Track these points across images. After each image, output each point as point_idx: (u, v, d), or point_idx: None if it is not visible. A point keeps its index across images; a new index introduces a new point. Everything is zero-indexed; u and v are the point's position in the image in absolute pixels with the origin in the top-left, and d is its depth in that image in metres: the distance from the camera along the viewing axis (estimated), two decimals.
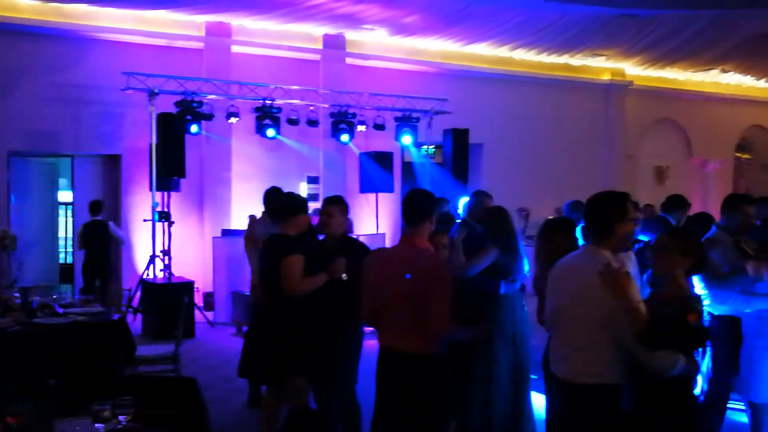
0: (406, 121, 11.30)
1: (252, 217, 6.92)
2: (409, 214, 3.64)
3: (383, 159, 11.28)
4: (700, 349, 4.68)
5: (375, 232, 11.45)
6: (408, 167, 12.25)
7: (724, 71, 15.08)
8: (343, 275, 4.29)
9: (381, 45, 12.18)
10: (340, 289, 4.29)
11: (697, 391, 6.39)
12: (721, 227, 4.77)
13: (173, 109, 9.66)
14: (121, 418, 2.63)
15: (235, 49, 11.14)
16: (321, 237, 4.77)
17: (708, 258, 4.55)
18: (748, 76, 15.60)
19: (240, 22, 11.02)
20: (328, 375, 4.51)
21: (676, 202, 7.14)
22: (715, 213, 11.42)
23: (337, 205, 4.63)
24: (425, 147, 11.84)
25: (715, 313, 4.58)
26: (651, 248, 3.53)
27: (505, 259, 4.80)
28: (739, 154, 17.83)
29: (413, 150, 11.76)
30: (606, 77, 14.59)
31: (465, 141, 11.35)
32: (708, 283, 4.49)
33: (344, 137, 10.90)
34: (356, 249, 4.53)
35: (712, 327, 4.56)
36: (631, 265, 3.78)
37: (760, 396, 4.42)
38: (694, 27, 11.37)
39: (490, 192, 6.25)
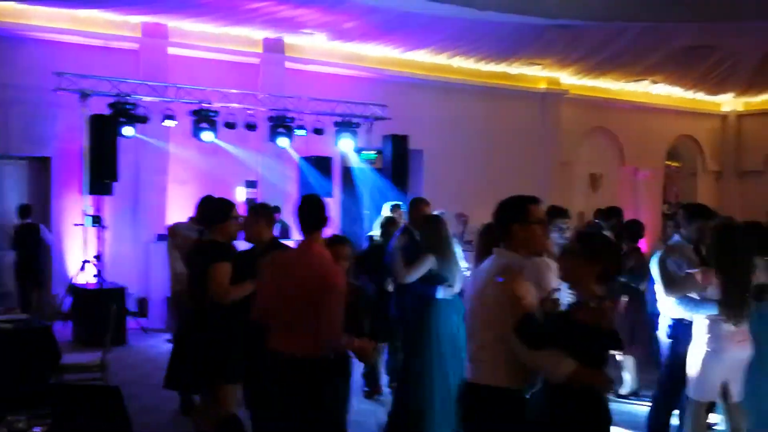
0: (346, 126, 11.31)
1: (174, 225, 6.85)
2: (305, 222, 3.64)
3: (322, 164, 11.28)
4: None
5: None
6: (348, 173, 12.26)
7: (655, 82, 15.58)
8: None
9: (321, 50, 12.17)
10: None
11: (624, 390, 6.65)
12: (683, 236, 4.93)
13: (107, 111, 9.44)
14: (36, 429, 2.55)
15: (171, 51, 10.96)
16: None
17: (666, 264, 4.81)
18: (677, 88, 16.15)
19: (177, 23, 10.85)
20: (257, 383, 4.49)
21: (611, 212, 7.43)
22: (646, 219, 11.79)
23: (260, 212, 4.63)
24: (365, 152, 11.87)
25: (676, 317, 4.81)
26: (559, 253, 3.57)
27: (441, 266, 4.92)
28: (669, 163, 18.44)
29: (353, 155, 11.77)
30: (542, 86, 14.90)
31: (404, 147, 11.43)
32: (664, 288, 4.72)
33: (283, 141, 10.84)
34: None
35: (675, 329, 4.82)
36: (549, 271, 3.80)
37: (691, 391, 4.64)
38: (626, 39, 11.73)
39: (430, 198, 6.38)
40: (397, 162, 11.23)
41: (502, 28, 11.11)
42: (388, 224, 6.68)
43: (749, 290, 4.45)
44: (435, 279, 4.97)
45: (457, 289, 5.05)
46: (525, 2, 9.33)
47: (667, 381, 5.01)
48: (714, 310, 4.43)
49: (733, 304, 4.37)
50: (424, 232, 5.14)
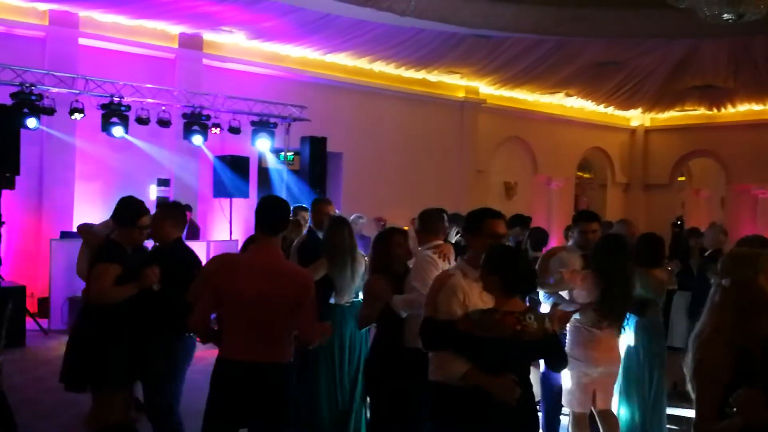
0: (263, 126, 11.17)
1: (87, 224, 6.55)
2: (268, 223, 3.49)
3: (239, 164, 11.10)
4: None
5: (228, 239, 11.22)
6: (264, 173, 12.11)
7: (569, 95, 16.10)
8: (155, 285, 4.09)
9: (240, 48, 11.99)
10: (153, 299, 4.09)
11: None
12: (575, 241, 5.06)
13: (9, 101, 9.00)
14: None
15: (82, 41, 10.56)
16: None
17: (546, 263, 4.95)
18: (590, 101, 16.74)
19: (88, 13, 10.46)
20: (145, 388, 4.32)
21: (514, 220, 7.62)
22: (557, 228, 12.05)
23: (168, 211, 4.50)
24: (283, 153, 11.75)
25: None
26: None
27: (333, 270, 4.86)
28: (581, 174, 19.09)
29: (270, 156, 11.64)
30: (461, 95, 15.16)
31: (323, 149, 11.39)
32: (538, 284, 4.76)
33: (197, 139, 10.60)
34: (178, 257, 4.31)
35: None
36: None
37: (564, 401, 4.74)
38: (540, 52, 12.08)
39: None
40: (315, 164, 11.18)
41: (422, 35, 11.24)
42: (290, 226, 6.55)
43: (627, 300, 4.54)
44: (329, 284, 4.89)
45: (348, 296, 4.96)
46: (444, 11, 9.47)
47: (549, 391, 5.08)
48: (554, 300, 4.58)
49: (608, 310, 4.46)
50: (324, 234, 5.10)
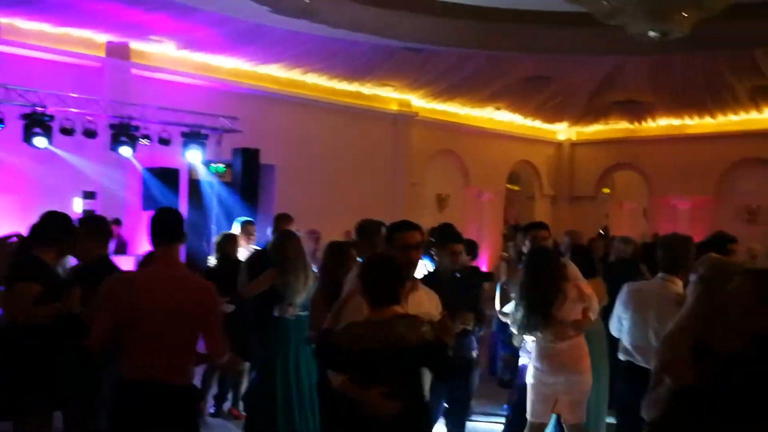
0: (194, 137, 10.94)
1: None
2: (167, 234, 3.39)
3: (168, 176, 10.83)
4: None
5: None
6: (195, 186, 11.86)
7: (498, 109, 16.43)
8: (76, 308, 3.83)
9: (169, 58, 11.75)
10: (74, 322, 3.82)
11: None
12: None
13: None
14: None
15: (3, 48, 10.12)
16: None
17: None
18: (518, 115, 17.13)
19: (9, 20, 10.06)
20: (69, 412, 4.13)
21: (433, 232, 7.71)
22: (488, 239, 12.17)
23: (89, 226, 4.30)
24: (214, 165, 11.54)
25: None
26: None
27: (282, 283, 4.81)
28: (510, 186, 19.47)
29: (201, 168, 11.41)
30: (394, 107, 15.27)
31: (255, 161, 11.24)
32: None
33: (125, 150, 10.29)
34: (102, 277, 4.10)
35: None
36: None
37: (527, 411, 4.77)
38: (471, 65, 12.29)
39: (283, 211, 6.27)
40: (247, 176, 11.02)
41: (355, 47, 11.27)
42: (225, 241, 6.45)
43: (542, 309, 4.56)
44: (274, 296, 4.83)
45: (294, 309, 4.91)
46: (376, 23, 9.51)
47: (517, 400, 5.13)
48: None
49: (528, 320, 4.53)
50: (271, 248, 5.05)
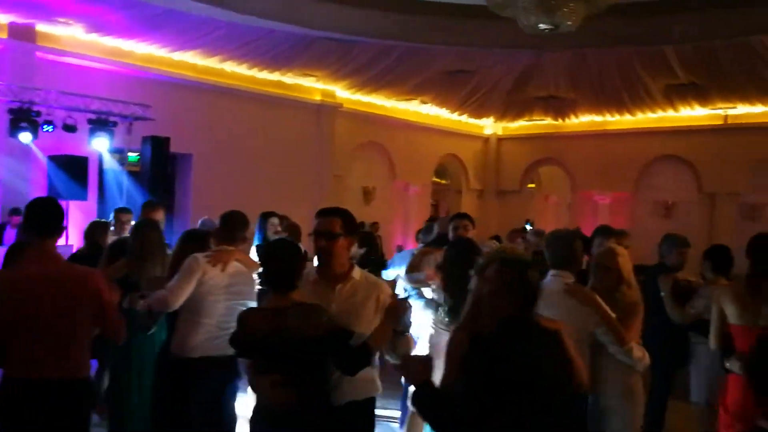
0: (102, 124, 10.55)
1: None
2: (45, 225, 3.29)
3: (75, 164, 10.40)
4: None
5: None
6: (104, 175, 11.44)
7: (424, 102, 16.43)
8: None
9: (78, 41, 11.28)
10: None
11: None
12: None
13: None
14: None
15: None
16: None
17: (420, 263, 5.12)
18: (444, 109, 17.17)
19: None
20: None
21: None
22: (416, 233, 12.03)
23: None
24: (124, 154, 11.16)
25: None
26: None
27: (137, 273, 4.61)
28: (437, 180, 19.54)
29: (109, 156, 11.01)
30: (317, 98, 15.08)
31: (165, 150, 10.91)
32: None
33: (25, 137, 9.83)
34: None
35: None
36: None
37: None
38: (393, 57, 12.21)
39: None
40: (157, 165, 10.69)
41: (273, 35, 11.05)
42: (94, 228, 6.18)
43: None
44: (128, 287, 4.63)
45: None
46: (287, 10, 9.33)
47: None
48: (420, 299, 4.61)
49: (455, 312, 4.49)
50: (131, 236, 4.86)
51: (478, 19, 9.92)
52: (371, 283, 3.46)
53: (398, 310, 3.17)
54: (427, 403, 2.57)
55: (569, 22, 6.24)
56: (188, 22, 10.43)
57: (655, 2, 9.20)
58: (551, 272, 4.36)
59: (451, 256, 4.54)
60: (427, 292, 4.66)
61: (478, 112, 17.30)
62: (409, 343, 3.37)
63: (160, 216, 5.48)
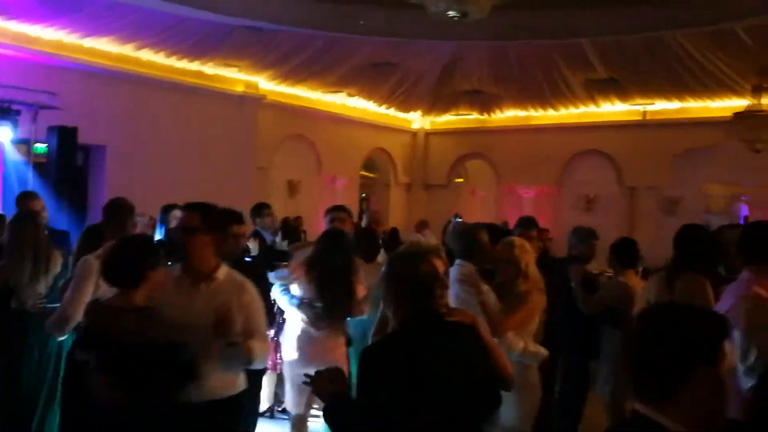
0: (4, 113, 9.97)
1: None
2: None
3: None
4: None
5: None
6: (6, 166, 10.84)
7: (351, 95, 16.26)
8: None
9: None
10: None
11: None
12: None
13: None
14: None
15: None
16: None
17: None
18: (371, 102, 17.04)
19: None
20: None
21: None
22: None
23: None
24: (29, 145, 10.60)
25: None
26: None
27: (12, 271, 4.32)
28: (365, 173, 19.42)
29: (12, 147, 10.43)
30: (240, 89, 14.71)
31: (73, 140, 10.39)
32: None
33: None
34: None
35: None
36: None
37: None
38: (314, 48, 11.99)
39: (113, 197, 5.70)
40: (64, 157, 10.18)
41: (189, 23, 10.69)
42: None
43: (340, 296, 4.42)
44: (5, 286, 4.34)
45: (33, 301, 4.44)
46: None
47: None
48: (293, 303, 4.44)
49: (325, 308, 4.35)
50: (6, 232, 4.55)
51: (398, 9, 9.81)
52: (236, 284, 3.30)
53: (223, 322, 2.99)
54: (341, 417, 2.46)
55: (477, 10, 6.18)
56: (97, 6, 9.99)
57: None
58: (457, 261, 4.35)
59: (319, 249, 4.43)
60: (295, 289, 4.50)
61: (405, 105, 17.25)
62: (251, 351, 3.14)
63: (38, 206, 5.12)
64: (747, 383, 3.00)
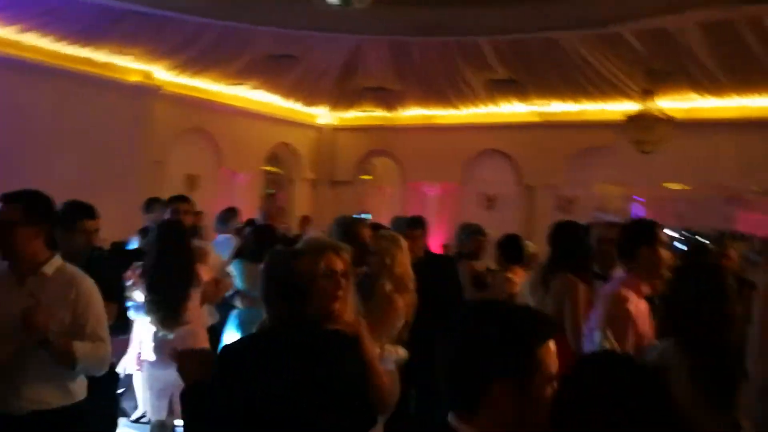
0: None
1: None
2: None
3: None
4: None
5: None
6: None
7: (254, 88, 15.88)
8: None
9: None
10: None
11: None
12: None
13: None
14: None
15: None
16: None
17: None
18: (277, 96, 16.71)
19: None
20: None
21: None
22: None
23: None
24: None
25: None
26: None
27: None
28: (269, 168, 19.06)
29: None
30: (134, 78, 14.10)
31: None
32: None
33: None
34: None
35: None
36: None
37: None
38: (209, 37, 11.61)
39: None
40: None
41: (73, 6, 10.15)
42: None
43: (174, 293, 4.21)
44: None
45: None
46: None
47: None
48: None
49: (152, 304, 4.14)
50: None
51: (293, 1, 9.59)
52: (66, 279, 3.05)
53: (29, 317, 2.82)
54: (199, 407, 2.33)
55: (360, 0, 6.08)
56: None
57: None
58: None
59: (151, 240, 4.25)
60: (138, 295, 4.28)
61: (310, 100, 17.02)
62: (71, 352, 2.92)
63: None
64: None
